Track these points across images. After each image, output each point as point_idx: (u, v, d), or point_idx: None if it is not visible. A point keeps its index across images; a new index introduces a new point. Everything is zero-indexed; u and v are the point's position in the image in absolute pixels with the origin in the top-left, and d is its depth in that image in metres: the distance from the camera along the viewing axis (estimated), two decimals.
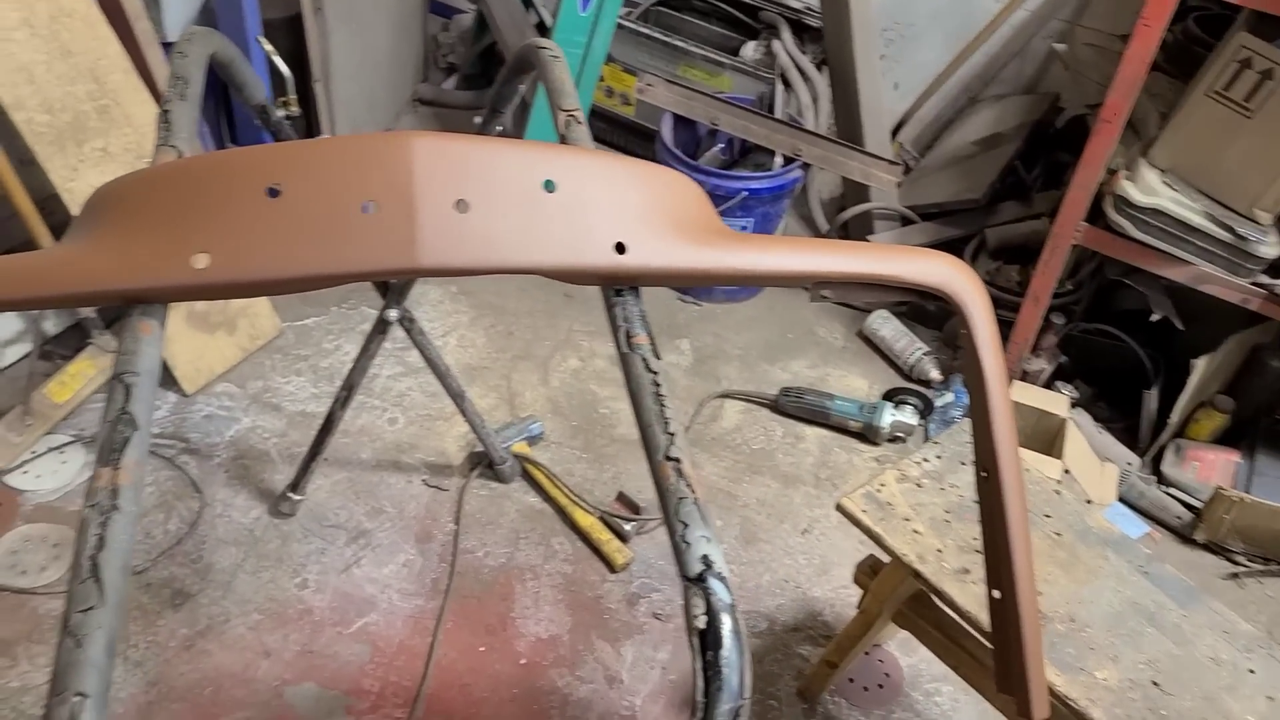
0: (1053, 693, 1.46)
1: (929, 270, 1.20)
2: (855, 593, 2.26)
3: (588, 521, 2.39)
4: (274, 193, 0.99)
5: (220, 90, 3.12)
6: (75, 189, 2.36)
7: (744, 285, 1.29)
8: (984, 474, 1.28)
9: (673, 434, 1.00)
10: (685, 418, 2.76)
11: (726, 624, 0.86)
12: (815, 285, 1.19)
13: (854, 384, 2.97)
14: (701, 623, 0.86)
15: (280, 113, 1.79)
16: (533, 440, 2.59)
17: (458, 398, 2.28)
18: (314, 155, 1.03)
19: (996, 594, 1.35)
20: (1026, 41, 3.48)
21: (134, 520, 0.89)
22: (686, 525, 0.92)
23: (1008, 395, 1.25)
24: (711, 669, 0.85)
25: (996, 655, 1.39)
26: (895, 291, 1.22)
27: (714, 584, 0.88)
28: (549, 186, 1.05)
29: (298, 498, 2.32)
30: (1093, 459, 2.55)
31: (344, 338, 2.86)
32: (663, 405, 1.03)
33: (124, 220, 1.04)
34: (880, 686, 2.15)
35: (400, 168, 1.01)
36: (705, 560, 0.89)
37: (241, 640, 2.10)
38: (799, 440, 2.76)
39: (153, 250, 1.00)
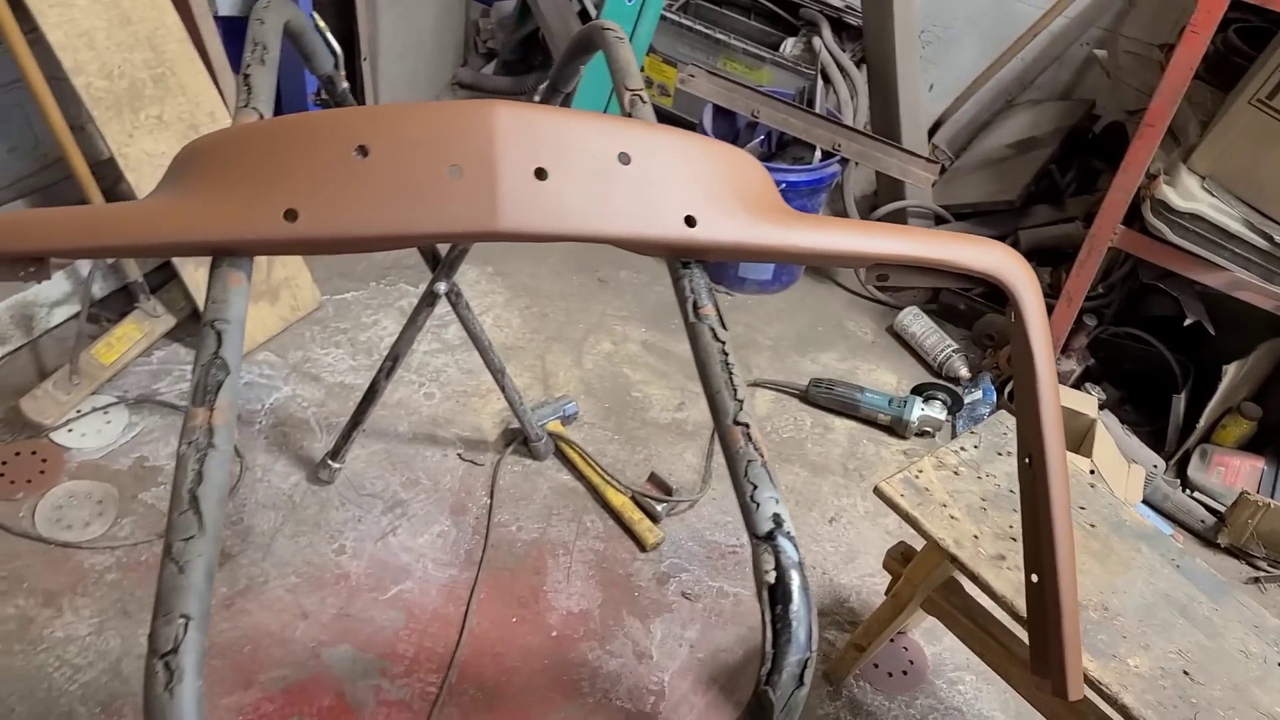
0: (1085, 677, 1.49)
1: (984, 257, 1.23)
2: (881, 581, 2.30)
3: (620, 501, 2.42)
4: (362, 153, 1.03)
5: None
6: (130, 154, 2.40)
7: (806, 263, 1.32)
8: (1027, 460, 1.32)
9: (741, 400, 1.03)
10: None
11: (795, 580, 0.89)
12: (872, 268, 1.22)
13: (883, 378, 3.00)
14: (771, 578, 0.89)
15: (345, 84, 1.83)
16: (567, 420, 2.63)
17: (498, 373, 2.32)
18: (402, 119, 1.06)
19: (1035, 578, 1.38)
20: (1066, 48, 3.51)
21: (228, 458, 0.93)
22: (755, 486, 0.95)
23: (1055, 383, 1.28)
24: (780, 622, 0.88)
25: (1032, 639, 1.42)
26: (947, 279, 1.25)
27: (783, 542, 0.91)
28: (623, 159, 1.09)
29: (337, 466, 2.36)
30: (1120, 460, 2.57)
31: (382, 313, 2.91)
32: (730, 372, 1.06)
33: (216, 175, 1.07)
34: (904, 673, 2.18)
35: (484, 135, 1.05)
36: (775, 519, 0.92)
37: (280, 601, 2.14)
38: (828, 431, 2.79)
39: (244, 204, 1.04)
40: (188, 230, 1.06)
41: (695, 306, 1.13)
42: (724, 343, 1.09)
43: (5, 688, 1.91)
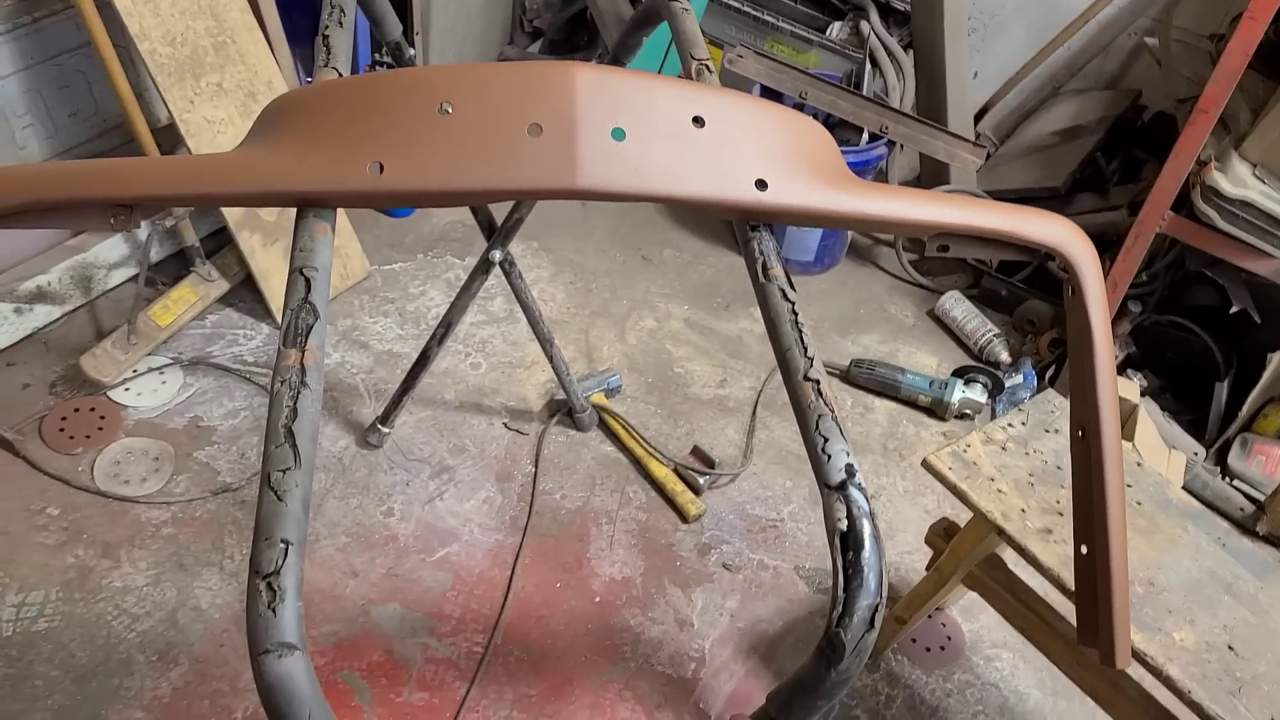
0: (1131, 649, 1.51)
1: (1047, 229, 1.25)
2: (920, 558, 2.33)
3: (662, 473, 2.46)
4: (447, 110, 1.06)
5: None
6: (190, 120, 2.45)
7: (872, 230, 1.34)
8: (1080, 433, 1.33)
9: (811, 357, 1.06)
10: (757, 382, 2.82)
11: (866, 528, 0.92)
12: (934, 237, 1.24)
13: (923, 361, 3.02)
14: (843, 526, 0.92)
15: (411, 50, 1.86)
16: (611, 392, 2.66)
17: (546, 343, 2.35)
18: (485, 77, 1.09)
19: (1084, 549, 1.40)
20: (1114, 37, 3.50)
21: (319, 397, 0.96)
22: (827, 439, 0.98)
23: (1112, 357, 1.30)
24: (852, 568, 0.91)
25: (1080, 609, 1.44)
26: (1007, 251, 1.27)
27: (854, 492, 0.94)
28: (698, 122, 1.11)
29: (386, 430, 2.41)
30: (1160, 446, 2.58)
31: (429, 284, 2.95)
32: (800, 330, 1.09)
33: (304, 129, 1.11)
34: (942, 649, 2.21)
35: (565, 95, 1.08)
36: (847, 469, 0.95)
37: (330, 560, 2.19)
38: (868, 411, 2.82)
39: (331, 157, 1.07)
40: (277, 181, 1.09)
41: (765, 268, 1.16)
42: (793, 302, 1.12)
43: (67, 634, 1.97)
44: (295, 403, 0.93)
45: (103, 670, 1.93)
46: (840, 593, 0.91)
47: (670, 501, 2.43)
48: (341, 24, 1.44)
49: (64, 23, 2.47)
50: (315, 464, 0.99)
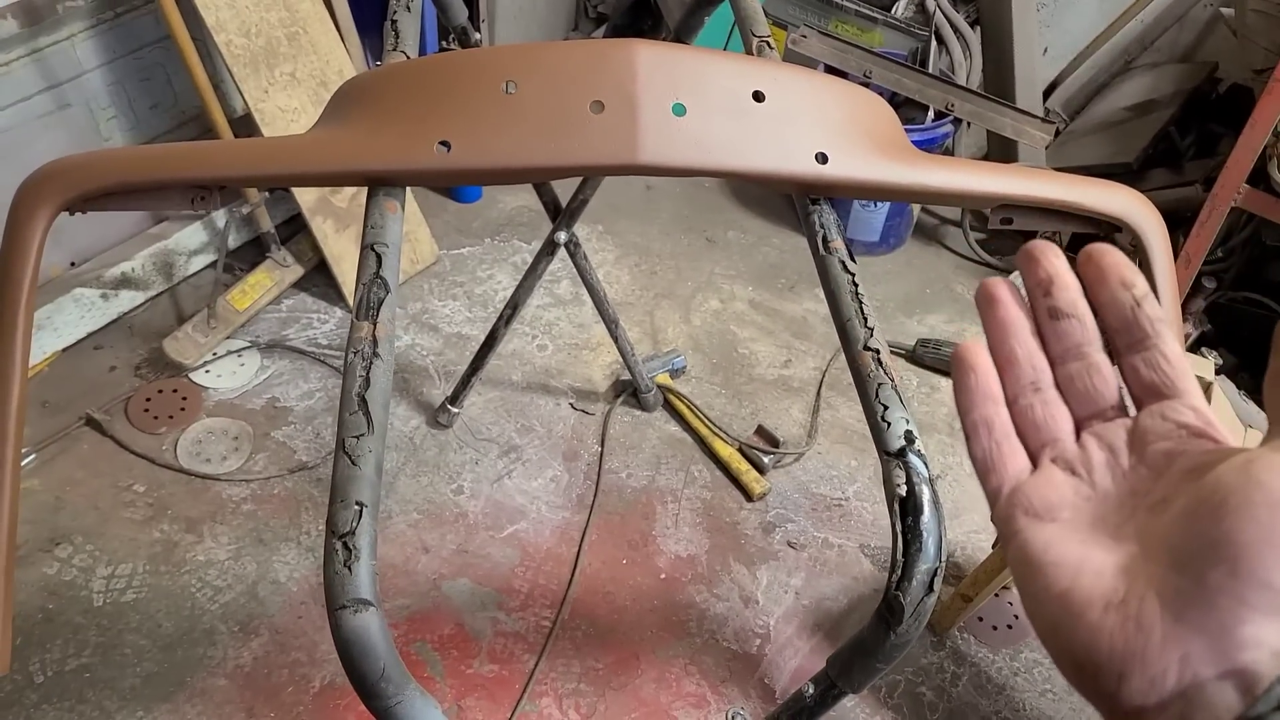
0: None
1: (1114, 200, 1.24)
2: (986, 537, 2.32)
3: (727, 452, 2.47)
4: (512, 88, 1.09)
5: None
6: (265, 110, 2.52)
7: (933, 202, 1.35)
8: None
9: (871, 327, 1.07)
10: (822, 363, 2.82)
11: (926, 494, 0.93)
12: (997, 209, 1.24)
13: None
14: (903, 491, 0.93)
15: (477, 35, 1.90)
16: (675, 373, 2.68)
17: (612, 324, 2.38)
18: (548, 56, 1.12)
19: None
20: (1187, 9, 3.42)
21: (391, 367, 1.00)
22: (887, 407, 0.99)
23: (1180, 329, 1.28)
24: (911, 533, 0.92)
25: None
26: (1073, 223, 1.26)
27: (913, 459, 0.95)
28: (758, 97, 1.13)
29: (455, 410, 2.46)
30: (1237, 424, 2.52)
31: (496, 267, 2.99)
32: (860, 301, 1.10)
33: (373, 109, 1.14)
34: (1009, 627, 2.20)
35: (626, 71, 1.10)
36: (907, 436, 0.96)
37: (402, 536, 2.25)
38: (934, 390, 2.80)
39: (400, 136, 1.10)
40: (348, 160, 1.13)
41: (825, 240, 1.17)
42: (853, 274, 1.13)
43: (154, 605, 2.05)
44: (368, 372, 0.97)
45: (188, 640, 2.01)
46: (899, 557, 0.92)
47: (735, 480, 2.44)
48: (409, 9, 1.47)
49: (144, 17, 2.56)
50: (387, 441, 1.02)
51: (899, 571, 0.92)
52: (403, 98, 1.14)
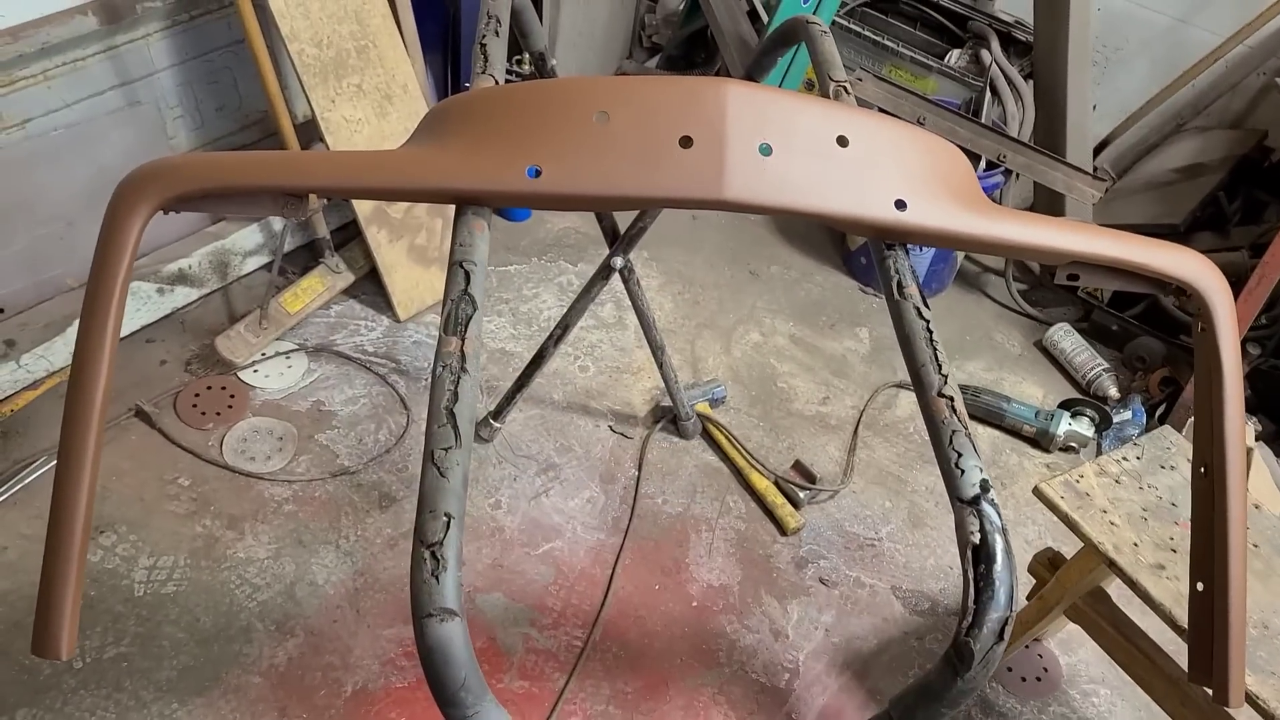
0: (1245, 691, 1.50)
1: (1180, 263, 1.25)
2: (1019, 589, 2.32)
3: (763, 484, 2.49)
4: (604, 118, 1.12)
5: (449, 50, 3.31)
6: (331, 119, 2.56)
7: (1005, 255, 1.36)
8: (1203, 470, 1.33)
9: (945, 375, 1.08)
10: (860, 402, 2.83)
11: (999, 543, 0.94)
12: (1065, 265, 1.26)
13: (1028, 391, 3.00)
14: (976, 539, 0.94)
15: (553, 60, 1.93)
16: (715, 402, 2.70)
17: (658, 349, 2.40)
18: (641, 89, 1.15)
19: (1200, 586, 1.39)
20: (1244, 77, 3.43)
21: (477, 383, 1.02)
22: (960, 454, 1.01)
23: (1241, 395, 1.29)
24: (983, 581, 0.93)
25: (1193, 648, 1.43)
26: (1137, 283, 1.28)
27: (987, 508, 0.96)
28: (842, 142, 1.15)
29: (497, 425, 2.49)
30: (1276, 492, 2.53)
31: (542, 287, 3.03)
32: (935, 348, 1.12)
33: (466, 131, 1.17)
34: (1038, 679, 2.20)
35: (716, 109, 1.12)
36: (982, 485, 0.97)
37: None
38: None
39: (492, 159, 1.13)
40: (441, 179, 1.16)
41: (900, 286, 1.19)
42: (927, 320, 1.14)
43: (194, 599, 2.08)
44: (456, 386, 0.99)
45: (224, 635, 2.03)
46: (971, 603, 0.93)
47: (769, 513, 2.46)
48: (499, 34, 1.51)
49: (217, 21, 2.61)
50: (472, 443, 1.04)
51: (969, 618, 0.93)
52: (496, 122, 1.17)
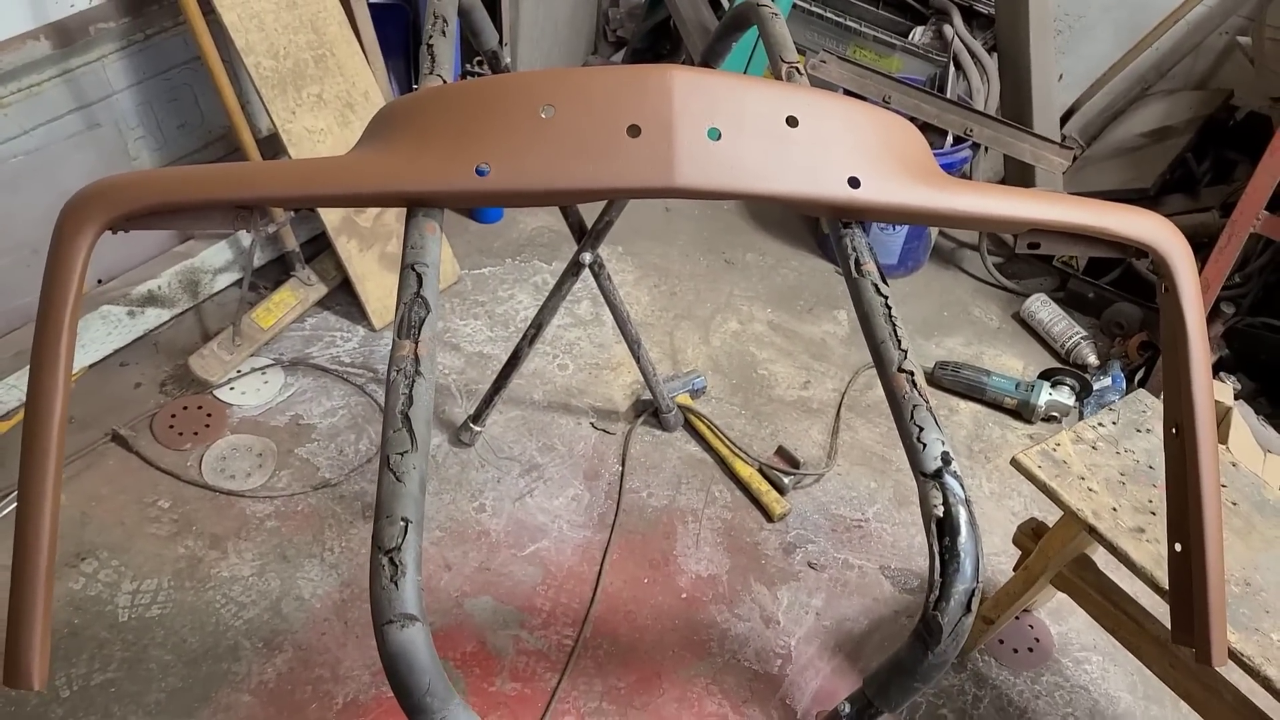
0: (1228, 649, 1.50)
1: (1138, 225, 1.25)
2: (1006, 559, 2.32)
3: (747, 472, 2.48)
4: (549, 112, 1.11)
5: (411, 55, 3.29)
6: (292, 130, 2.55)
7: (963, 226, 1.35)
8: (1174, 430, 1.33)
9: (905, 350, 1.08)
10: (841, 384, 2.83)
11: (962, 514, 0.94)
12: (1025, 234, 1.26)
13: (1009, 364, 3.00)
14: (940, 512, 0.94)
15: (506, 59, 1.92)
16: (695, 393, 2.70)
17: (634, 344, 2.40)
18: (586, 81, 1.14)
19: (1178, 547, 1.39)
20: (1204, 37, 3.43)
21: (432, 385, 1.01)
22: (922, 429, 1.00)
23: (1207, 354, 1.29)
24: (948, 553, 0.92)
25: (1174, 608, 1.43)
26: (1099, 247, 1.28)
27: (950, 480, 0.96)
28: (792, 122, 1.15)
29: (478, 429, 2.48)
30: (1256, 450, 2.53)
31: (517, 288, 3.01)
32: (894, 324, 1.11)
33: (413, 132, 1.16)
34: (1030, 650, 2.20)
35: (662, 96, 1.11)
36: (943, 457, 0.97)
37: (425, 553, 2.25)
38: (953, 413, 2.81)
39: (439, 159, 1.12)
40: (389, 182, 1.15)
41: (857, 264, 1.18)
42: (886, 297, 1.14)
43: (179, 620, 2.07)
44: (411, 390, 0.98)
45: (212, 655, 2.02)
46: (937, 577, 0.93)
47: (755, 501, 2.45)
48: (444, 34, 1.50)
49: (173, 39, 2.59)
50: (429, 447, 1.04)
51: (936, 592, 0.93)
52: (442, 121, 1.16)
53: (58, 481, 1.13)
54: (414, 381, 0.99)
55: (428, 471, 0.95)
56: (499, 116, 1.13)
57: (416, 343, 1.02)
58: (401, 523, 0.90)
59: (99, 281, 2.64)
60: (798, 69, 1.51)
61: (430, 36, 1.49)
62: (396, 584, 0.87)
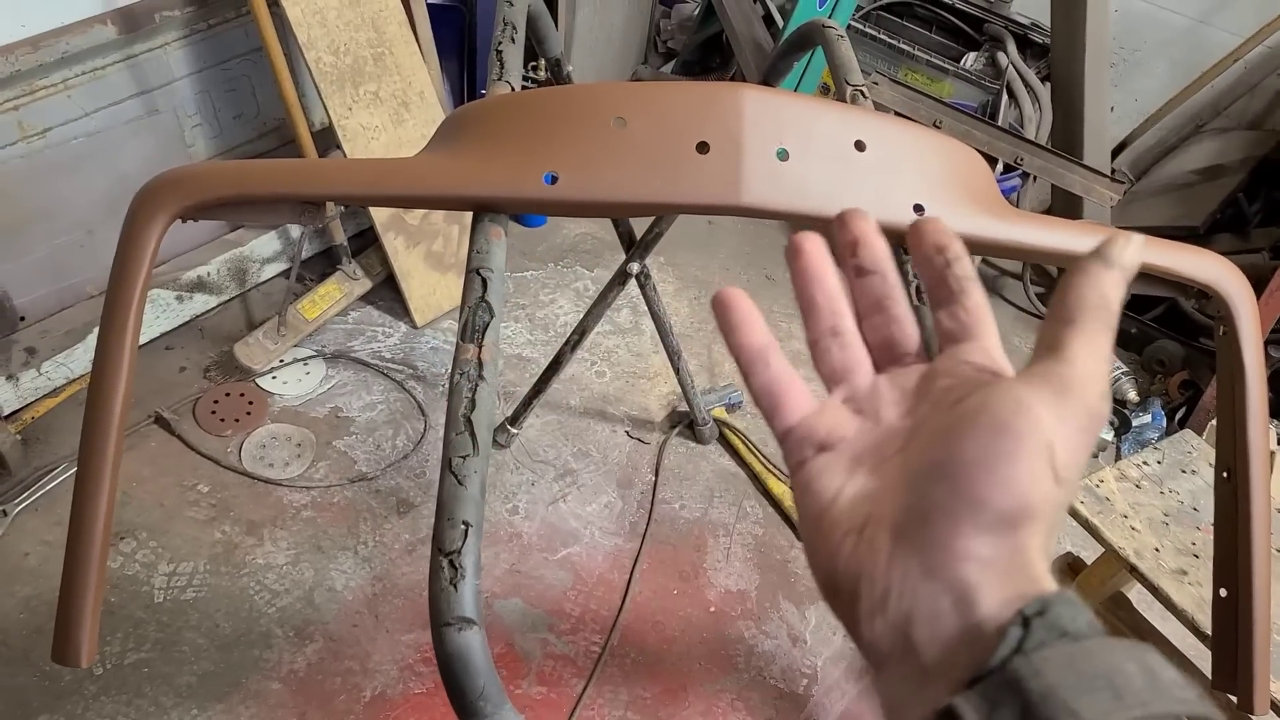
0: (1271, 698, 1.48)
1: (1201, 266, 1.24)
2: None
3: (780, 490, 2.48)
4: (621, 124, 1.11)
5: (465, 57, 3.32)
6: (347, 126, 2.57)
7: (1024, 259, 1.35)
8: (1225, 474, 1.32)
9: None
10: None
11: None
12: None
13: None
14: None
15: (569, 67, 1.93)
16: (731, 407, 2.70)
17: (674, 355, 2.40)
18: (658, 95, 1.14)
19: (1223, 592, 1.38)
20: (1263, 77, 3.41)
21: (495, 390, 1.02)
22: None
23: (1265, 399, 1.29)
24: None
25: (1216, 654, 1.42)
26: (1157, 286, 1.27)
27: None
28: (860, 146, 1.15)
29: (515, 431, 2.49)
30: None
31: (559, 292, 3.03)
32: None
33: (483, 137, 1.17)
34: None
35: (733, 114, 1.12)
36: None
37: None
38: None
39: (509, 166, 1.13)
40: (458, 185, 1.15)
41: (917, 291, 1.17)
42: None
43: (213, 604, 2.09)
44: (474, 394, 0.99)
45: (244, 641, 2.04)
46: None
47: (787, 518, 2.45)
48: (514, 40, 1.51)
49: (235, 29, 2.62)
50: (490, 450, 1.05)
51: None
52: (512, 128, 1.17)
53: (116, 465, 1.14)
54: (477, 385, 1.00)
55: (488, 475, 0.96)
56: (570, 126, 1.14)
57: (480, 347, 1.03)
58: (462, 526, 0.91)
59: None
60: (863, 92, 1.51)
61: (500, 42, 1.50)
62: (456, 587, 0.87)
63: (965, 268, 0.53)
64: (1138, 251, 0.48)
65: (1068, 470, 0.40)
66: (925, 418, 0.48)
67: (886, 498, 0.44)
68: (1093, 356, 0.44)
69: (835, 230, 0.59)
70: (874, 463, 0.48)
